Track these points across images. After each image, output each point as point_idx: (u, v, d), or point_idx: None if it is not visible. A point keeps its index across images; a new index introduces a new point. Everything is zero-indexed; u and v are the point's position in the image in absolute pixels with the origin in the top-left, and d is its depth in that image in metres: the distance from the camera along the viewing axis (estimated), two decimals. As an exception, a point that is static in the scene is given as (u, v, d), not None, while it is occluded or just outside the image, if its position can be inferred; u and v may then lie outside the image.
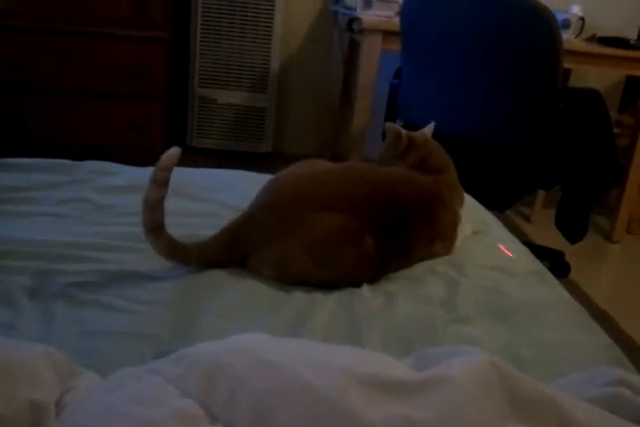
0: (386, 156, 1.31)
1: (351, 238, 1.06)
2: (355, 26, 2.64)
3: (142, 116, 2.75)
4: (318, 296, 1.03)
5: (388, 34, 2.45)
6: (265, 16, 2.95)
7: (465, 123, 2.11)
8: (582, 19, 2.77)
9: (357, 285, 1.08)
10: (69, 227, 1.20)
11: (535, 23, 1.90)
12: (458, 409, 0.57)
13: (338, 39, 3.18)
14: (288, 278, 1.07)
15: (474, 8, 1.99)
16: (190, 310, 0.96)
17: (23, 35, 2.63)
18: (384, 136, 1.33)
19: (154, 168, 0.99)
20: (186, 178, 1.42)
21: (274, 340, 0.72)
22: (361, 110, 2.56)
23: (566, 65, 2.12)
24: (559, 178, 2.16)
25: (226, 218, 1.14)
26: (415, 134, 1.31)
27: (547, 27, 1.89)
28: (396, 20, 2.32)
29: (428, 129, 1.37)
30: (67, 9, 2.64)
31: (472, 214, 1.41)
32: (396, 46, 2.34)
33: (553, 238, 2.45)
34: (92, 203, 1.32)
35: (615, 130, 2.22)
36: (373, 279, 1.11)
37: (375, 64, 2.50)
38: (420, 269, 1.18)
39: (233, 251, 1.09)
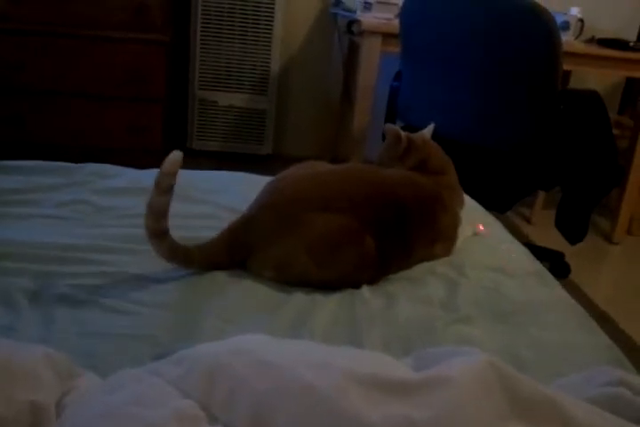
0: (385, 157, 1.31)
1: (352, 239, 1.06)
2: (354, 28, 2.65)
3: (142, 119, 2.76)
4: (318, 297, 1.03)
5: (387, 36, 2.46)
6: (265, 18, 2.95)
7: (465, 124, 2.11)
8: (581, 20, 2.77)
9: (357, 285, 1.08)
10: (69, 229, 1.20)
11: (534, 25, 1.90)
12: (458, 409, 0.57)
13: (338, 41, 3.18)
14: (289, 279, 1.07)
15: (473, 11, 2.00)
16: (191, 311, 0.96)
17: (22, 37, 2.63)
18: (384, 138, 1.33)
19: (157, 174, 0.99)
20: (186, 180, 1.41)
21: (274, 341, 0.72)
22: (361, 112, 2.57)
23: (566, 67, 2.13)
24: (559, 179, 2.16)
25: (226, 220, 1.14)
26: (415, 136, 1.31)
27: (546, 28, 1.90)
28: (396, 22, 2.32)
29: (428, 130, 1.37)
30: (65, 12, 2.64)
31: (473, 216, 1.41)
32: (395, 48, 2.35)
33: (553, 239, 2.45)
34: (91, 205, 1.32)
35: (615, 131, 2.22)
36: (373, 280, 1.11)
37: (375, 66, 2.51)
38: (420, 270, 1.18)
39: (234, 252, 1.09)
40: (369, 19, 2.56)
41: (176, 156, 0.98)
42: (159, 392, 0.63)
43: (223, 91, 3.07)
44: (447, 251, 1.25)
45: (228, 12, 2.95)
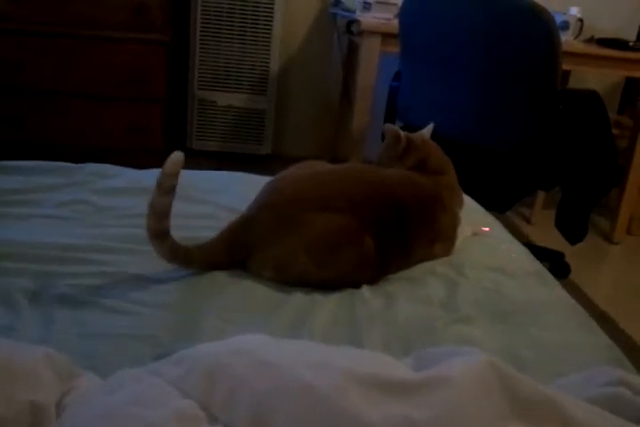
0: (385, 157, 1.31)
1: (351, 239, 1.06)
2: (354, 28, 2.65)
3: (142, 119, 2.76)
4: (318, 297, 1.03)
5: (386, 36, 2.46)
6: (264, 18, 2.95)
7: (464, 124, 2.11)
8: (581, 20, 2.77)
9: (357, 285, 1.08)
10: (69, 229, 1.20)
11: (533, 25, 1.90)
12: (457, 409, 0.57)
13: (337, 41, 3.18)
14: (288, 279, 1.07)
15: (473, 11, 2.00)
16: (191, 311, 0.96)
17: (22, 37, 2.63)
18: (383, 138, 1.33)
19: (159, 174, 0.99)
20: (186, 180, 1.40)
21: (274, 341, 0.72)
22: (360, 112, 2.57)
23: (565, 66, 2.13)
24: (559, 179, 2.16)
25: (225, 220, 1.14)
26: (414, 136, 1.31)
27: (545, 28, 1.90)
28: (395, 22, 2.32)
29: (427, 130, 1.37)
30: (65, 12, 2.64)
31: (472, 216, 1.41)
32: (394, 48, 2.35)
33: (553, 239, 2.45)
34: (91, 205, 1.32)
35: (614, 131, 2.22)
36: (373, 280, 1.11)
37: (374, 66, 2.51)
38: (419, 270, 1.18)
39: (233, 252, 1.09)
40: (368, 19, 2.56)
41: (177, 156, 0.97)
42: (159, 392, 0.63)
43: (222, 91, 3.07)
44: (447, 251, 1.25)
45: (228, 12, 2.95)
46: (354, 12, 2.73)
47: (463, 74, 2.07)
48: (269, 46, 2.99)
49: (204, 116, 3.11)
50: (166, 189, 0.99)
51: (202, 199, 1.39)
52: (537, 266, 1.29)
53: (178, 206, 1.03)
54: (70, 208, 1.30)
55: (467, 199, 1.43)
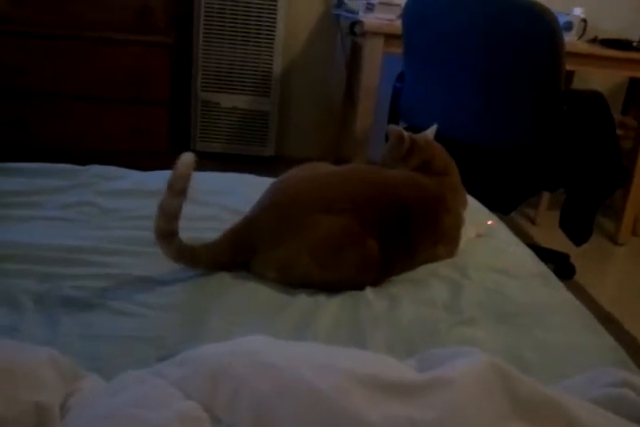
0: (388, 158, 1.31)
1: (354, 240, 1.06)
2: (357, 29, 2.65)
3: (146, 121, 2.76)
4: (322, 299, 1.03)
5: (389, 37, 2.46)
6: (267, 20, 2.96)
7: (468, 125, 2.11)
8: (584, 21, 2.77)
9: (361, 287, 1.08)
10: (74, 231, 1.20)
11: (537, 25, 1.90)
12: (459, 410, 0.57)
13: (340, 42, 3.18)
14: (291, 281, 1.07)
15: (476, 11, 1.99)
16: (196, 313, 0.96)
17: (23, 39, 2.63)
18: (387, 139, 1.33)
19: (170, 176, 0.99)
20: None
21: (277, 342, 0.72)
22: (364, 113, 2.57)
23: (569, 67, 2.12)
24: (563, 180, 2.16)
25: (229, 222, 1.14)
26: (417, 137, 1.31)
27: (548, 29, 1.89)
28: (398, 23, 2.32)
29: (431, 131, 1.37)
30: (67, 14, 2.64)
31: (476, 217, 1.41)
32: (398, 49, 2.35)
33: (558, 240, 2.45)
34: (96, 207, 1.32)
35: (618, 132, 2.21)
36: (376, 282, 1.11)
37: (377, 67, 2.51)
38: (423, 271, 1.18)
39: (237, 252, 1.09)
40: (371, 20, 2.56)
41: (188, 157, 0.98)
42: (162, 394, 0.63)
43: (226, 92, 3.07)
44: (450, 252, 1.25)
45: (231, 14, 2.95)
46: (357, 13, 2.73)
47: (467, 75, 2.07)
48: (272, 48, 3.00)
49: (208, 118, 3.12)
50: (177, 191, 0.99)
51: (205, 201, 1.39)
52: (541, 267, 1.28)
53: (182, 208, 1.03)
54: (75, 210, 1.30)
55: (471, 200, 1.42)
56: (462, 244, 1.27)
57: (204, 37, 2.97)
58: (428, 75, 2.21)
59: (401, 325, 0.98)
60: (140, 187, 1.43)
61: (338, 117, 3.29)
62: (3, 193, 1.34)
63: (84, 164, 1.56)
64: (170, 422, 0.58)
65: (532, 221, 2.95)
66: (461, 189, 1.32)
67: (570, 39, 2.58)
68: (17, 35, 2.63)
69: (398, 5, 2.60)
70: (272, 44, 2.99)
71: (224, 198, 1.42)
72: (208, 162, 3.07)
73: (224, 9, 2.94)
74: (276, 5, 2.93)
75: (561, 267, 2.36)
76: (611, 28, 3.13)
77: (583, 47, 2.62)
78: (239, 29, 2.97)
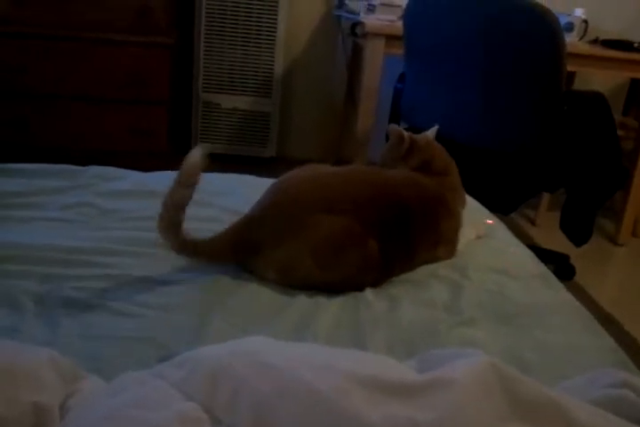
0: (388, 157, 1.31)
1: (355, 241, 1.06)
2: (358, 30, 2.65)
3: (147, 122, 2.76)
4: (322, 300, 1.03)
5: (390, 38, 2.46)
6: (268, 20, 2.96)
7: (468, 126, 2.11)
8: (586, 21, 2.77)
9: (361, 288, 1.08)
10: (74, 232, 1.20)
11: (538, 26, 1.90)
12: (459, 411, 0.57)
13: (341, 43, 3.18)
14: (292, 281, 1.07)
15: (477, 12, 1.99)
16: (196, 314, 0.96)
17: (24, 40, 2.63)
18: (387, 138, 1.33)
19: (179, 171, 0.99)
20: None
21: (277, 343, 0.72)
22: (365, 114, 2.57)
23: (570, 68, 2.12)
24: (564, 181, 2.16)
25: (229, 223, 1.14)
26: (418, 137, 1.31)
27: (549, 30, 1.89)
28: (399, 24, 2.33)
29: (431, 132, 1.37)
30: (68, 14, 2.64)
31: (476, 218, 1.41)
32: (399, 50, 2.35)
33: (558, 241, 2.45)
34: (96, 207, 1.32)
35: (619, 132, 2.21)
36: (377, 283, 1.11)
37: (378, 68, 2.51)
38: (423, 272, 1.18)
39: (237, 251, 1.09)
40: (372, 21, 2.56)
41: (196, 153, 0.99)
42: (162, 395, 0.63)
43: (227, 93, 3.08)
44: (450, 253, 1.25)
45: (232, 15, 2.96)
46: (358, 14, 2.73)
47: (467, 75, 2.07)
48: (274, 49, 3.00)
49: (209, 119, 3.12)
50: (185, 184, 1.00)
51: (206, 202, 1.39)
52: (541, 268, 1.28)
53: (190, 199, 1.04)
54: (75, 211, 1.30)
55: (471, 201, 1.43)
56: (462, 245, 1.27)
57: (205, 38, 2.98)
58: (429, 76, 2.21)
59: (401, 325, 0.98)
60: (140, 187, 1.43)
61: (339, 118, 3.29)
62: (3, 194, 1.34)
63: (83, 164, 1.56)
64: (170, 423, 0.58)
65: (532, 222, 2.95)
66: (460, 190, 1.33)
67: (571, 40, 2.58)
68: (17, 35, 2.63)
69: (399, 6, 2.60)
70: (273, 44, 2.99)
71: (225, 199, 1.42)
72: (209, 163, 3.08)
73: (225, 9, 2.95)
74: (277, 6, 2.93)
75: (561, 268, 2.36)
76: (612, 28, 3.13)
77: (584, 48, 2.62)
78: (240, 30, 2.97)
